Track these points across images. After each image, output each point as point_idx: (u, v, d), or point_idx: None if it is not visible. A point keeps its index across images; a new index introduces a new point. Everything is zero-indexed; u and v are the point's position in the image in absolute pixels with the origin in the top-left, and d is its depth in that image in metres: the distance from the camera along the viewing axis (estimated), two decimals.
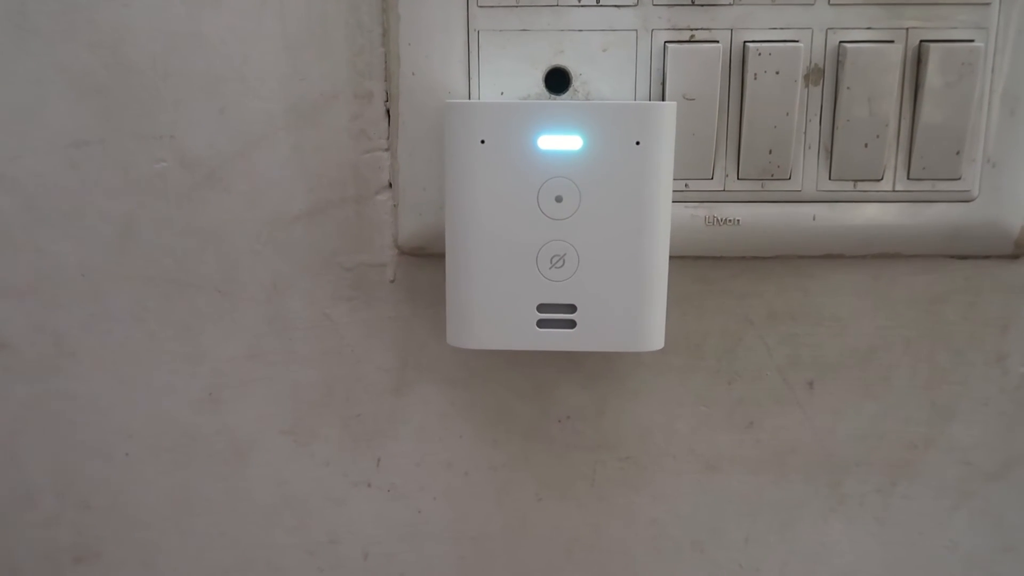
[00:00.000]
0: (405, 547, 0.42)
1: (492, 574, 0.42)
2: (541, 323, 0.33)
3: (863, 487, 0.41)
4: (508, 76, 0.35)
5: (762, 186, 0.36)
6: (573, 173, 0.31)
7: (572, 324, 0.32)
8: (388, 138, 0.37)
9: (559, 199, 0.31)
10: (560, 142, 0.31)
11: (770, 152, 0.35)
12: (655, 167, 0.31)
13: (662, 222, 0.32)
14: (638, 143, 0.31)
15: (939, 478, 0.40)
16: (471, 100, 0.32)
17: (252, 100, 0.37)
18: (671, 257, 0.37)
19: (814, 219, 0.36)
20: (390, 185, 0.38)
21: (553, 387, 0.40)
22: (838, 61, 0.34)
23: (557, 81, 0.35)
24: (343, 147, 0.37)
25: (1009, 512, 0.40)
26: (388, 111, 0.37)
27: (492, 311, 0.33)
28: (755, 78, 0.34)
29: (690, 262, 0.38)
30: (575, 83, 0.35)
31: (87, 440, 0.41)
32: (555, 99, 0.35)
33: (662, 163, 0.31)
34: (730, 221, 0.36)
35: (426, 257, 0.38)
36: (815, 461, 0.40)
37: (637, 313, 0.32)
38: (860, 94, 0.34)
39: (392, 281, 0.39)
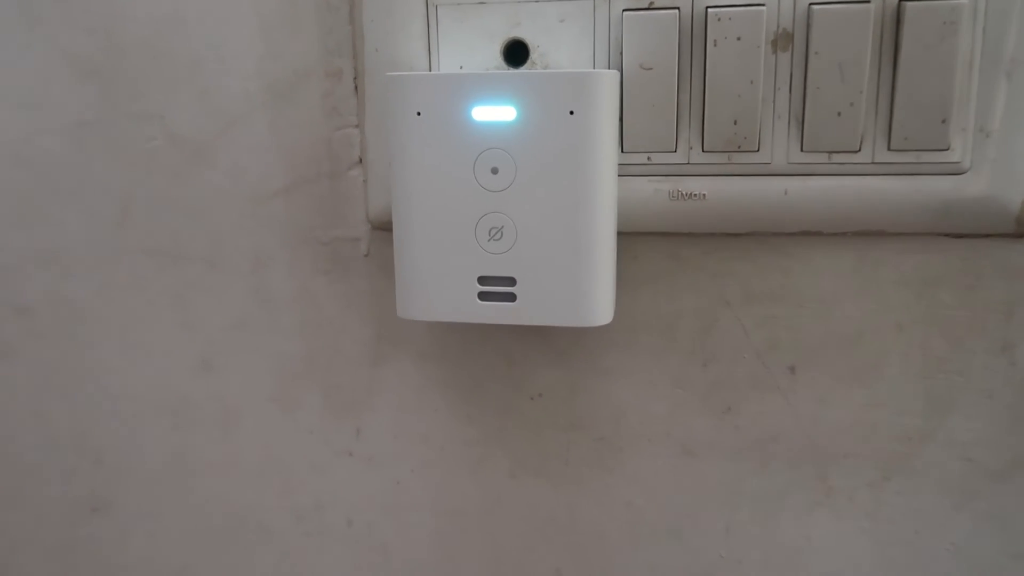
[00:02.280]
0: (386, 517, 0.43)
1: (469, 549, 0.43)
2: (482, 295, 0.33)
3: (852, 480, 0.38)
4: (467, 50, 0.35)
5: (729, 159, 0.34)
6: (508, 144, 0.31)
7: (513, 297, 0.32)
8: (358, 115, 0.38)
9: (495, 171, 0.31)
10: (494, 113, 0.30)
11: (735, 123, 0.34)
12: (591, 137, 0.30)
13: (603, 194, 0.31)
14: (572, 113, 0.30)
15: (938, 475, 0.37)
16: (407, 72, 0.32)
17: (231, 80, 0.38)
18: (638, 233, 0.36)
19: (786, 193, 0.34)
20: (360, 161, 0.38)
21: (524, 363, 0.40)
22: (808, 25, 0.32)
23: (516, 54, 0.35)
24: (316, 124, 0.38)
25: (1017, 515, 0.37)
26: (356, 88, 0.37)
27: (434, 283, 0.33)
28: (715, 45, 0.33)
29: (659, 238, 0.37)
30: (533, 55, 0.35)
31: (99, 400, 0.44)
32: (510, 72, 0.35)
33: (599, 133, 0.30)
34: (696, 195, 0.35)
35: None
36: (799, 450, 0.38)
37: (577, 287, 0.32)
38: (830, 59, 0.32)
39: (366, 255, 0.40)
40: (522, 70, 0.34)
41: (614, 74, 0.31)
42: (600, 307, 0.32)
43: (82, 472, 0.46)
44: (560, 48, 0.34)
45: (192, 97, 0.39)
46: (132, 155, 0.40)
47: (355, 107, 0.38)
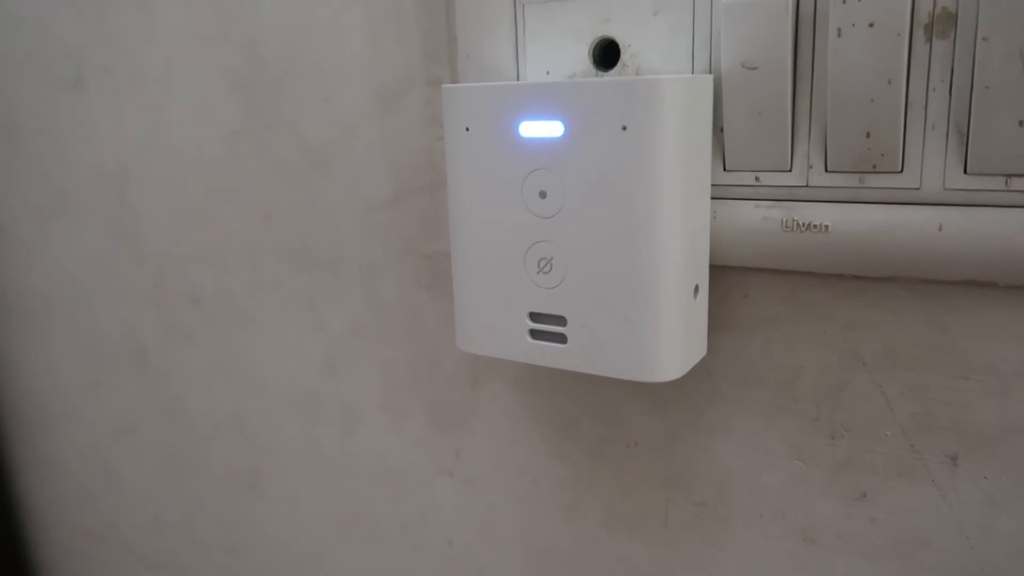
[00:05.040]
0: (483, 544, 0.41)
1: None
2: (534, 333, 0.29)
3: None
4: (553, 52, 0.31)
5: (860, 181, 0.27)
6: (556, 164, 0.27)
7: (564, 339, 0.28)
8: None
9: (543, 194, 0.27)
10: (541, 128, 0.27)
11: (868, 135, 0.26)
12: (648, 158, 0.25)
13: (664, 226, 0.26)
14: (624, 128, 0.25)
15: None
16: (459, 84, 0.29)
17: (348, 89, 0.39)
18: (747, 268, 0.30)
19: (941, 229, 0.26)
20: None
21: (619, 405, 0.35)
22: (977, 1, 0.24)
23: (607, 55, 0.31)
24: (418, 134, 0.37)
25: None
26: None
27: (486, 316, 0.30)
28: (839, 35, 0.25)
29: (774, 276, 0.30)
30: (624, 56, 0.30)
31: (252, 387, 0.48)
32: (601, 75, 0.30)
33: (659, 153, 0.25)
34: (816, 227, 0.28)
35: None
36: (961, 567, 0.29)
37: (632, 334, 0.27)
38: (1007, 47, 0.23)
39: None
40: (573, 79, 0.30)
41: (685, 80, 0.25)
42: (661, 360, 0.27)
43: (241, 451, 0.50)
44: (653, 47, 0.29)
45: (316, 107, 0.40)
46: (271, 162, 0.42)
47: None
